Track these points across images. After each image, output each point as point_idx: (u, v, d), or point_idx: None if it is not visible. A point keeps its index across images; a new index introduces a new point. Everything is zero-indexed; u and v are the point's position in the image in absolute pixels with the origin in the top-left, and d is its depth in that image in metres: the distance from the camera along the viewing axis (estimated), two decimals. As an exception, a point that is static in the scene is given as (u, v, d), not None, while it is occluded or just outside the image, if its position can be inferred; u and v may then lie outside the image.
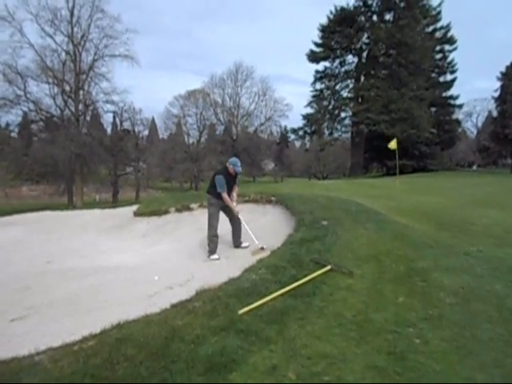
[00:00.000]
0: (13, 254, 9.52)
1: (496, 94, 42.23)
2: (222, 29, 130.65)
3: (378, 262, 5.16)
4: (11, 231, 12.47)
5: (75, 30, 36.19)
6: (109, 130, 50.97)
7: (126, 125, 47.92)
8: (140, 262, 7.58)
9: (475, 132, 69.03)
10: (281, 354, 3.06)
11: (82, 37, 37.08)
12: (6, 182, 35.61)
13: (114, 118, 47.13)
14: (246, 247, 7.03)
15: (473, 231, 7.28)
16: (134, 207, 14.25)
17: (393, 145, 14.76)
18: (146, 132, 66.06)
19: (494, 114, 45.96)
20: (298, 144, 77.94)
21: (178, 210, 11.12)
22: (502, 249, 6.07)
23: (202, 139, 60.86)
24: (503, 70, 40.74)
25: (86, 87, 38.16)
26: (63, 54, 36.05)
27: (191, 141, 61.00)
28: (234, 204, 6.96)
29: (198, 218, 10.48)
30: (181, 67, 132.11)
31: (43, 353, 2.94)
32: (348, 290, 4.28)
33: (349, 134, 39.67)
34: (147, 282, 6.07)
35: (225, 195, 6.64)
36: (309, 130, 39.65)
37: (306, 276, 4.47)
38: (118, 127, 47.87)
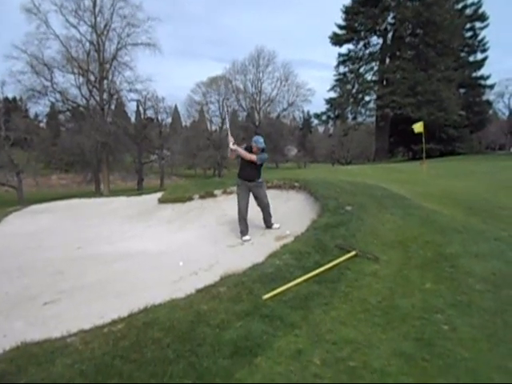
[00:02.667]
0: (45, 241, 9.82)
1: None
2: (243, 14, 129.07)
3: (405, 248, 5.06)
4: (42, 219, 12.87)
5: (98, 19, 36.67)
6: (132, 119, 51.61)
7: (150, 113, 48.46)
8: (165, 248, 7.70)
9: (507, 113, 66.27)
10: (306, 339, 3.07)
11: (105, 26, 37.54)
12: (36, 171, 36.72)
13: (138, 106, 47.72)
14: (277, 228, 7.01)
15: (504, 216, 7.03)
16: (159, 194, 14.45)
17: (418, 127, 14.24)
18: (169, 120, 66.69)
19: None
20: (321, 129, 76.84)
21: (202, 197, 11.20)
22: (535, 233, 5.85)
23: (225, 126, 60.85)
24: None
25: (109, 76, 38.75)
26: (87, 43, 36.69)
27: (213, 128, 61.08)
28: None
29: (222, 204, 10.55)
30: (202, 54, 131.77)
31: (74, 335, 3.04)
32: (373, 276, 4.23)
33: (373, 119, 38.73)
34: (172, 267, 6.18)
35: (250, 156, 6.41)
36: (332, 115, 38.94)
37: (330, 262, 4.44)
38: (142, 115, 48.45)
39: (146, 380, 2.48)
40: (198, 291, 3.81)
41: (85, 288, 5.53)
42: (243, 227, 6.82)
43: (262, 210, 6.99)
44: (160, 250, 7.62)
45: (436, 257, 4.74)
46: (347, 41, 36.93)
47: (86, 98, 38.51)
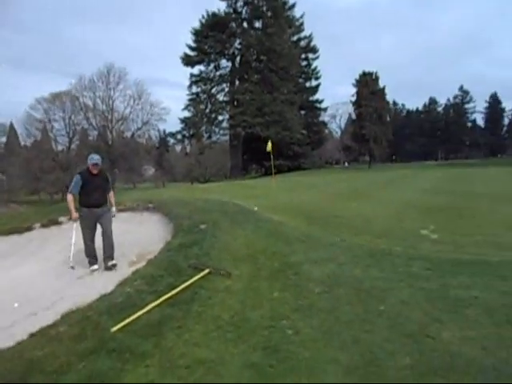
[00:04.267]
0: None
1: (353, 99, 47.84)
2: (89, 28, 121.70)
3: (255, 261, 5.34)
4: None
5: None
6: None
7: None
8: (-3, 289, 6.59)
9: (339, 133, 77.00)
10: (157, 367, 2.95)
11: None
12: None
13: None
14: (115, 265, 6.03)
15: (337, 223, 8.04)
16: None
17: (269, 147, 15.62)
18: (4, 139, 58.38)
19: (353, 116, 51.94)
20: (178, 148, 76.92)
21: (45, 225, 10.00)
22: (360, 236, 6.82)
23: (73, 146, 56.02)
24: (357, 77, 46.43)
25: None
26: None
27: (60, 148, 55.62)
28: (114, 209, 6.18)
29: (68, 232, 9.59)
30: (43, 67, 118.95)
31: None
32: (226, 292, 4.34)
33: (227, 137, 40.56)
34: (5, 311, 5.31)
35: (69, 196, 5.83)
36: (187, 134, 39.46)
37: (183, 282, 4.39)
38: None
39: None
40: (33, 335, 3.33)
41: None
42: (91, 256, 6.18)
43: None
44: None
45: (282, 266, 5.12)
46: (198, 62, 38.13)
47: None
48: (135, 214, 9.20)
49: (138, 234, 8.18)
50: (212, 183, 28.22)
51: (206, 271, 4.72)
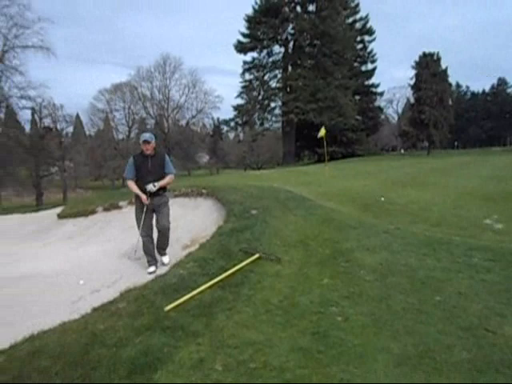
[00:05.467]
0: None
1: (412, 82, 45.46)
2: (146, 20, 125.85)
3: (306, 247, 5.32)
4: None
5: (-21, 19, 32.86)
6: (27, 128, 47.18)
7: (47, 122, 44.79)
8: (65, 267, 7.11)
9: (396, 118, 73.82)
10: (208, 346, 3.04)
11: (-13, 27, 33.77)
12: None
13: (33, 114, 43.78)
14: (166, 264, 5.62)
15: (392, 210, 7.77)
16: (59, 209, 13.45)
17: (321, 133, 15.34)
18: (71, 129, 62.21)
19: (412, 100, 49.44)
20: (231, 136, 77.96)
21: (107, 209, 10.64)
22: (416, 225, 6.56)
23: (132, 134, 58.57)
24: (417, 59, 43.95)
25: (-4, 81, 34.91)
26: (-33, 45, 32.66)
27: (120, 136, 58.46)
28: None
29: (128, 216, 10.11)
30: (103, 60, 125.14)
31: None
32: (276, 277, 4.37)
33: (279, 124, 40.40)
34: (71, 287, 5.72)
35: (129, 182, 5.41)
36: (240, 121, 39.78)
37: (234, 266, 4.48)
38: (38, 124, 44.61)
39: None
40: (95, 310, 3.58)
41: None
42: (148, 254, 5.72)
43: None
44: (58, 269, 7.00)
45: (333, 253, 5.05)
46: (251, 49, 38.08)
47: (-32, 106, 34.31)
48: (190, 199, 9.50)
49: (192, 219, 8.45)
50: (264, 170, 28.33)
51: (256, 256, 4.77)
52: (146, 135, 5.23)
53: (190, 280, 4.16)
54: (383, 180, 13.38)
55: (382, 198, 8.25)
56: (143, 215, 5.35)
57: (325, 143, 16.54)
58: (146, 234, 5.49)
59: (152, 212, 5.48)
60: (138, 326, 3.24)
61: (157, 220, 5.53)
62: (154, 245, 5.67)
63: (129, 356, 2.82)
